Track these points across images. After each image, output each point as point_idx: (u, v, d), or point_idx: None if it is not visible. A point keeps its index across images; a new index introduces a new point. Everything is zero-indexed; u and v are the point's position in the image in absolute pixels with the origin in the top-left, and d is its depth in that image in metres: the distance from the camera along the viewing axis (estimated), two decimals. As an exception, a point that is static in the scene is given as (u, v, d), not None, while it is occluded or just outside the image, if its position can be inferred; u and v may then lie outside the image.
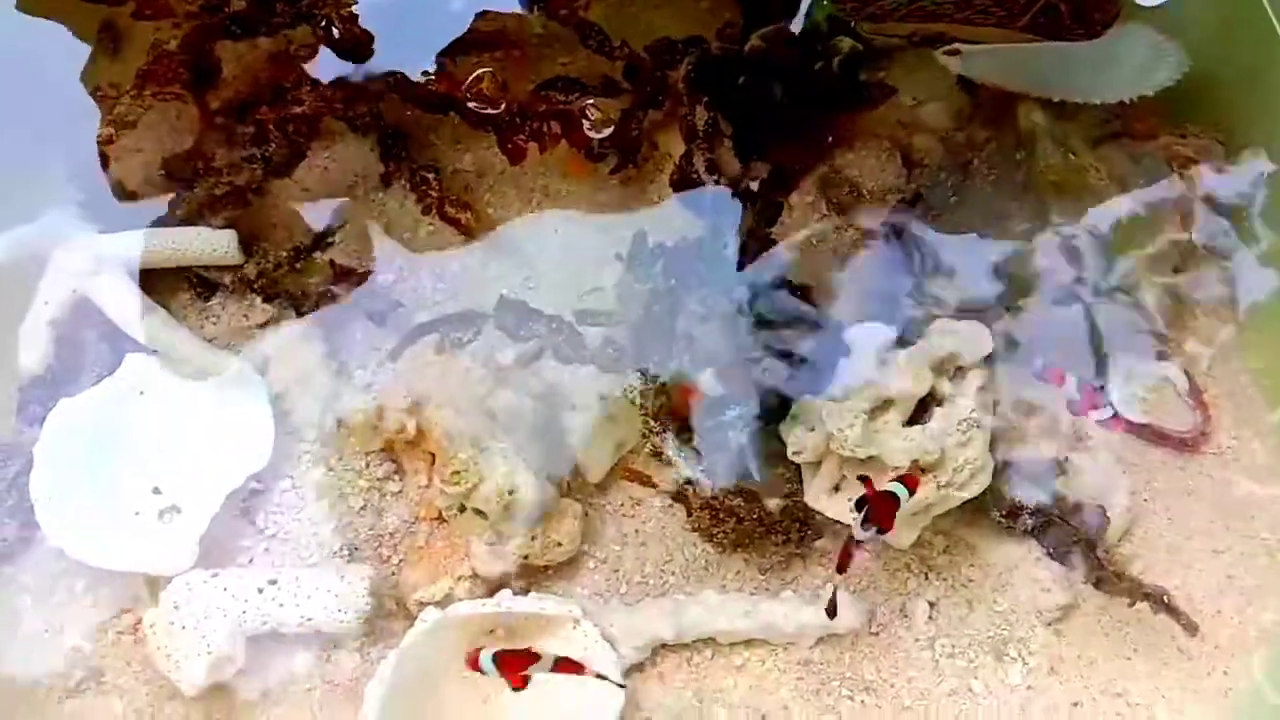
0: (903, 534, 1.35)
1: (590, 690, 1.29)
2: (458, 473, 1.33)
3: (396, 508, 1.42)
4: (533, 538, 1.35)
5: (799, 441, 1.36)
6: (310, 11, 1.49)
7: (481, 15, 1.62)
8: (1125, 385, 1.50)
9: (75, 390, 1.42)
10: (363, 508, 1.42)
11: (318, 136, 1.57)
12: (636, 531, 1.45)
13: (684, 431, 1.44)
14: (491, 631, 1.33)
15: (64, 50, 1.59)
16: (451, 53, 1.58)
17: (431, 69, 1.56)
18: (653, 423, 1.45)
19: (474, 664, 1.22)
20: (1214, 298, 1.55)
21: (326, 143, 1.59)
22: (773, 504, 1.39)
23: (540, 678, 1.30)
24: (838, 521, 1.35)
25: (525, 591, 1.36)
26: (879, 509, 1.20)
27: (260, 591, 1.31)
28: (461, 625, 1.31)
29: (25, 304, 1.44)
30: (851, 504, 1.24)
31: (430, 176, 1.55)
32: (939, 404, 1.34)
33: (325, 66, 1.55)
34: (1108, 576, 1.36)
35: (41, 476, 1.36)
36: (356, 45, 1.50)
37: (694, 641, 1.37)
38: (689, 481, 1.41)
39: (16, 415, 1.42)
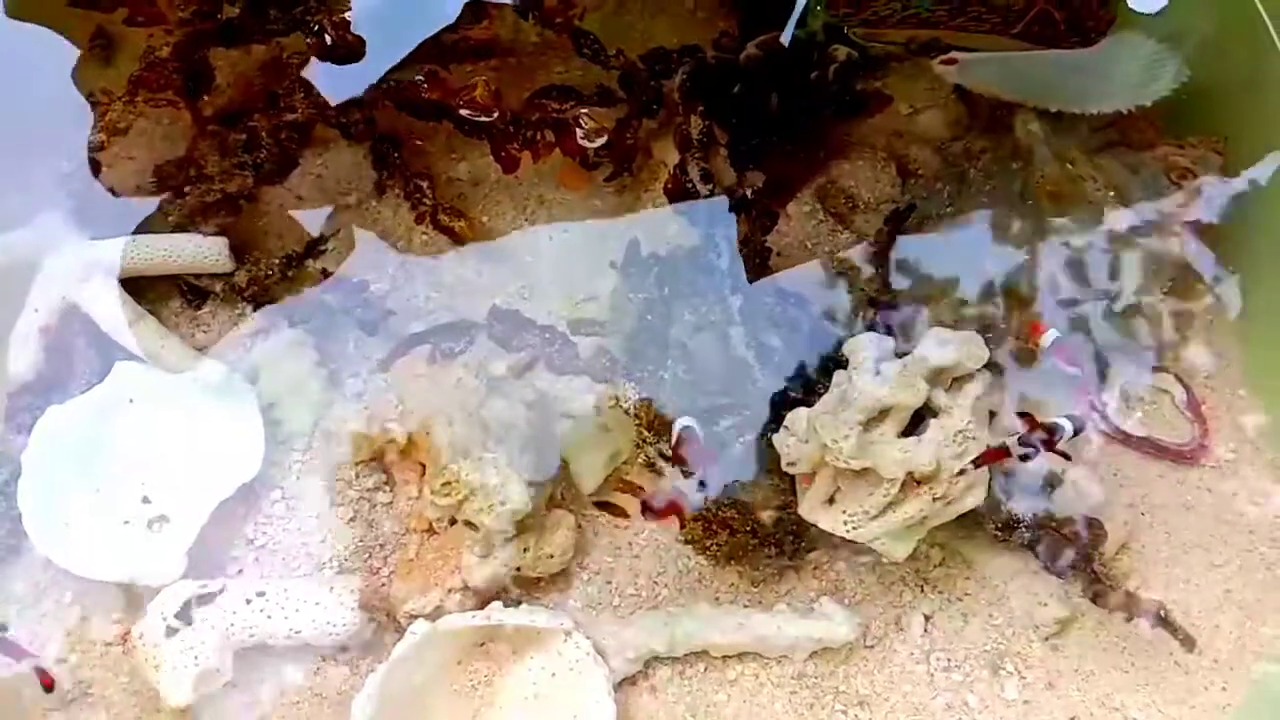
0: (898, 547, 1.33)
1: (581, 704, 1.28)
2: (449, 484, 1.32)
3: (387, 519, 1.41)
4: (525, 549, 1.34)
5: (793, 453, 1.35)
6: (303, 18, 1.49)
7: (476, 23, 1.62)
8: (1123, 397, 1.50)
9: (64, 398, 1.42)
10: (353, 519, 1.41)
11: (310, 144, 1.56)
12: (629, 543, 1.43)
13: (678, 442, 1.44)
14: (481, 644, 1.32)
15: (56, 56, 1.58)
16: (445, 60, 1.57)
17: (424, 77, 1.55)
18: (647, 433, 1.44)
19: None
20: (1212, 309, 1.55)
21: (319, 150, 1.59)
22: (766, 516, 1.39)
23: (533, 692, 1.29)
24: (831, 534, 1.34)
25: (517, 603, 1.35)
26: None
27: (248, 603, 1.30)
28: (451, 638, 1.30)
29: (15, 310, 1.43)
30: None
31: (424, 185, 1.55)
32: (934, 415, 1.33)
33: (318, 74, 1.54)
34: (1105, 590, 1.35)
35: (30, 485, 1.35)
36: (349, 52, 1.49)
37: (686, 655, 1.36)
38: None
39: (5, 422, 1.42)
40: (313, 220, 1.56)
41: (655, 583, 1.41)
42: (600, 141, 1.52)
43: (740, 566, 1.41)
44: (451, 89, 1.51)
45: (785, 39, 1.56)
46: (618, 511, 1.43)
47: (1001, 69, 1.62)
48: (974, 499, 1.32)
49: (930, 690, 1.37)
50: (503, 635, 1.32)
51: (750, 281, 1.49)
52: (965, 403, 1.33)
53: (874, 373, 1.31)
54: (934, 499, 1.28)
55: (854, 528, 1.30)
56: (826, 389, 1.35)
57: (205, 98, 1.55)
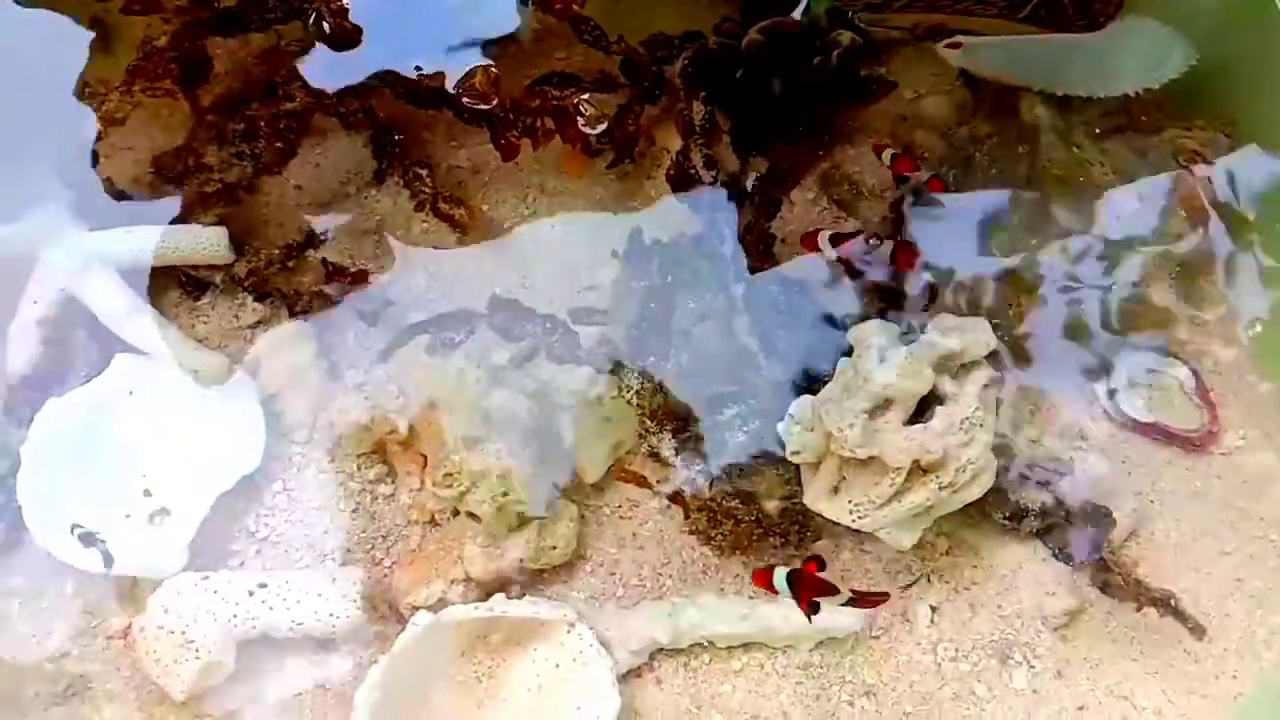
0: (904, 536, 1.32)
1: (585, 695, 1.27)
2: (450, 475, 1.31)
3: (389, 510, 1.41)
4: (527, 540, 1.33)
5: (798, 442, 1.34)
6: (301, 6, 1.48)
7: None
8: (1131, 383, 1.48)
9: (64, 390, 1.41)
10: (354, 510, 1.40)
11: (309, 133, 1.55)
12: (633, 534, 1.42)
13: (681, 432, 1.42)
14: (484, 636, 1.31)
15: (53, 46, 1.57)
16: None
17: (424, 64, 1.53)
18: (650, 423, 1.43)
19: (766, 582, 1.25)
20: (1221, 294, 1.53)
21: (318, 139, 1.57)
22: (771, 505, 1.37)
23: (536, 683, 1.28)
24: (837, 523, 1.33)
25: (520, 595, 1.34)
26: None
27: (250, 595, 1.29)
28: (454, 629, 1.29)
29: (13, 303, 1.42)
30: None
31: (424, 173, 1.53)
32: (940, 403, 1.32)
33: (317, 62, 1.53)
34: (1113, 579, 1.34)
35: (29, 478, 1.34)
36: (347, 40, 1.48)
37: (691, 645, 1.35)
38: (686, 483, 1.39)
39: (4, 415, 1.41)
40: (312, 210, 1.55)
41: (659, 574, 1.40)
42: (601, 128, 1.51)
43: (745, 556, 1.40)
44: (450, 76, 1.50)
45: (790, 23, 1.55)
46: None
47: (1006, 52, 1.61)
48: (980, 487, 1.30)
49: (937, 680, 1.36)
50: (506, 627, 1.31)
51: (753, 269, 1.48)
52: (972, 390, 1.32)
53: (879, 360, 1.30)
54: (940, 487, 1.27)
55: (860, 517, 1.29)
56: (831, 377, 1.34)
57: (204, 87, 1.54)
